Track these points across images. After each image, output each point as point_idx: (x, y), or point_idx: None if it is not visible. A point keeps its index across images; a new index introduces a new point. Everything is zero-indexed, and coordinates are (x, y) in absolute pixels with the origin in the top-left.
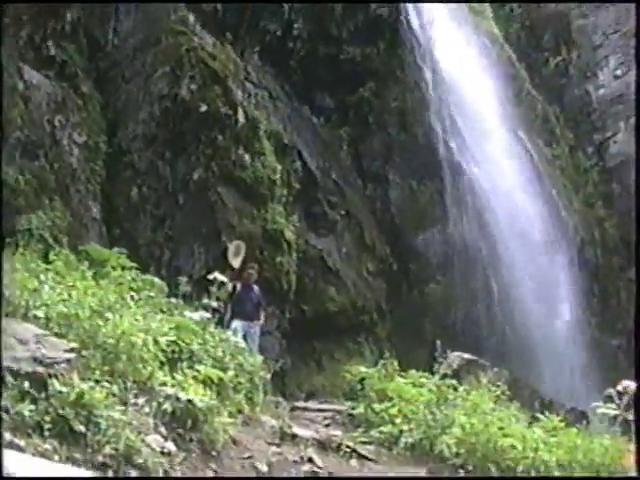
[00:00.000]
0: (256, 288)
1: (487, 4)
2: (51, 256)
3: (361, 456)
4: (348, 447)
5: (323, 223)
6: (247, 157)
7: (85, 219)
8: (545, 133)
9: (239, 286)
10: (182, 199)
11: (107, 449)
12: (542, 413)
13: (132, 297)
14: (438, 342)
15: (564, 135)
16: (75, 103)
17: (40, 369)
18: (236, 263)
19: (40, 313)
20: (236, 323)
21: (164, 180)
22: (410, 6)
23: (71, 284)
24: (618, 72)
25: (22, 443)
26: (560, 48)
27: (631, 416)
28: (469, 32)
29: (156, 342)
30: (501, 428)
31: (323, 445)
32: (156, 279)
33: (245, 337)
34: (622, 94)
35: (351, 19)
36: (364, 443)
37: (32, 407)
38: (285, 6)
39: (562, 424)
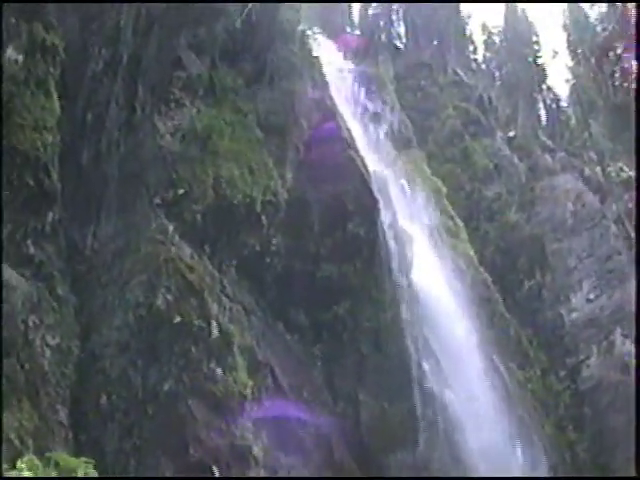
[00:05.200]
0: None
1: (462, 226)
2: (18, 464)
3: None
4: None
5: (293, 441)
6: (219, 371)
7: (52, 423)
8: (518, 356)
9: None
10: (151, 409)
11: None
12: None
13: None
14: None
15: (537, 358)
16: (50, 305)
17: None
18: None
19: None
20: None
21: (134, 389)
22: (387, 226)
23: None
24: (591, 296)
25: None
26: (534, 271)
27: None
28: (445, 254)
29: None
30: None
31: None
32: None
33: None
34: (595, 318)
35: (329, 236)
36: None
37: None
38: (265, 221)
39: None
